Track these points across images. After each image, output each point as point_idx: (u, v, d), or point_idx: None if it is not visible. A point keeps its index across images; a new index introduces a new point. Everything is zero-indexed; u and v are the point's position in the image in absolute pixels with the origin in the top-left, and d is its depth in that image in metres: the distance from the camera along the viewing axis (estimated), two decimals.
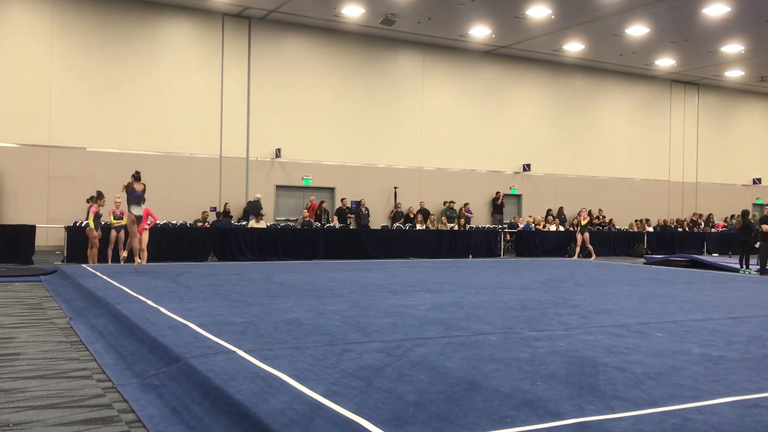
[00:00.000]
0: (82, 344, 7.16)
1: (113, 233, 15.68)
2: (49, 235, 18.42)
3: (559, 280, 13.34)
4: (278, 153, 21.68)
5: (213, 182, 20.97)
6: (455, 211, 23.55)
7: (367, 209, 22.20)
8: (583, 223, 21.19)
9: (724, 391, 4.93)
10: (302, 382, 4.92)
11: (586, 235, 21.23)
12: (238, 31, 21.21)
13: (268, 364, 5.45)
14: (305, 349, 6.11)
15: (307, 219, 20.89)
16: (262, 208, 20.56)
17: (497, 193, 24.70)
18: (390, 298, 9.72)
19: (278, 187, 22.04)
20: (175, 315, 7.80)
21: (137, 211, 13.23)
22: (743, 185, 30.95)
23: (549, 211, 25.61)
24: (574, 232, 23.67)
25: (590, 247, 21.35)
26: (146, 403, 5.05)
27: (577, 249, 21.36)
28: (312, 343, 6.39)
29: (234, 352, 5.90)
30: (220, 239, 17.89)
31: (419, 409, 4.34)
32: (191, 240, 17.61)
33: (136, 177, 13.35)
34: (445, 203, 23.76)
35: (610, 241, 24.24)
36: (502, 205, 24.64)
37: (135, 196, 13.15)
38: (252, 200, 20.84)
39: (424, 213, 22.69)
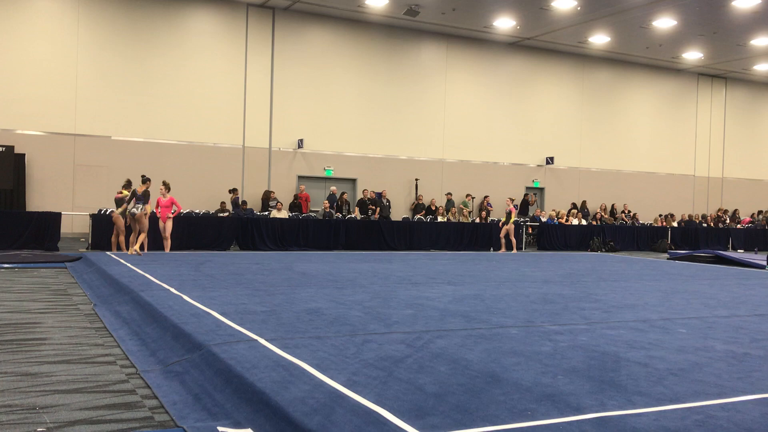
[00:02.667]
0: (107, 330, 7.26)
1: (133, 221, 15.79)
2: (75, 223, 18.67)
3: (582, 274, 13.25)
4: (300, 144, 21.73)
5: (236, 172, 21.09)
6: (468, 204, 23.46)
7: (388, 201, 22.20)
8: (513, 216, 20.12)
9: (749, 389, 4.87)
10: (323, 372, 4.95)
11: (511, 226, 20.01)
12: (262, 21, 21.26)
13: (290, 353, 5.49)
14: (326, 338, 6.14)
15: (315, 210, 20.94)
16: (337, 199, 21.35)
17: (526, 195, 24.52)
18: (411, 290, 9.73)
19: (300, 177, 22.11)
20: (198, 303, 7.88)
21: (136, 209, 14.52)
22: None
23: (573, 204, 25.43)
24: (597, 225, 23.51)
25: (513, 240, 20.17)
26: (169, 390, 5.11)
27: (502, 241, 20.14)
28: (333, 332, 6.42)
29: (256, 340, 5.94)
30: (242, 228, 18.00)
31: (439, 401, 4.34)
32: (214, 229, 17.73)
33: (143, 180, 14.77)
34: (467, 196, 23.68)
35: (634, 235, 24.01)
36: (530, 204, 24.47)
37: (137, 198, 14.53)
38: (330, 193, 21.64)
39: (449, 204, 22.58)
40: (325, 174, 22.31)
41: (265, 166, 21.55)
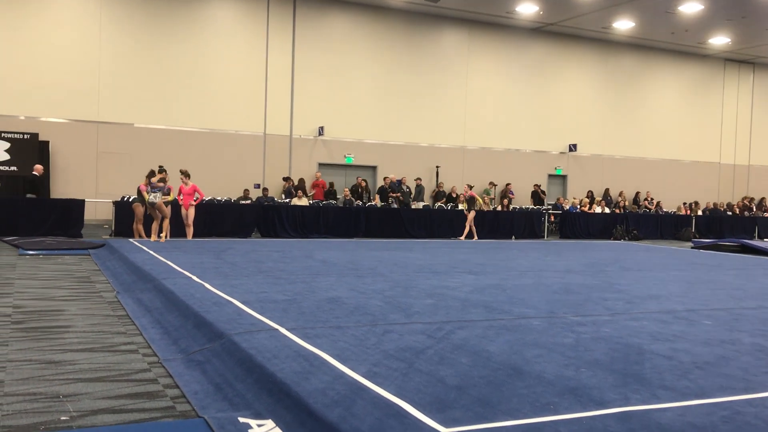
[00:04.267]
0: (129, 318, 7.31)
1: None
2: (98, 210, 18.85)
3: (604, 263, 13.12)
4: (321, 131, 21.72)
5: (257, 159, 21.14)
6: (491, 191, 23.30)
7: (408, 188, 22.14)
8: (479, 201, 19.65)
9: None
10: (344, 362, 4.93)
11: (472, 213, 19.29)
12: (283, 7, 21.21)
13: (310, 343, 5.48)
14: (347, 328, 6.12)
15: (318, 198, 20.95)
16: (401, 185, 21.51)
17: (535, 185, 24.17)
18: (431, 279, 9.69)
19: (321, 165, 22.11)
20: (220, 291, 7.90)
21: (154, 198, 14.68)
22: None
23: (590, 192, 25.15)
24: (621, 214, 23.27)
25: (473, 228, 19.38)
26: (190, 379, 5.13)
27: (466, 230, 19.38)
28: (353, 322, 6.40)
29: (276, 330, 5.94)
30: (264, 216, 18.05)
31: (461, 393, 4.31)
32: (235, 216, 17.81)
33: (160, 170, 14.89)
34: (491, 184, 23.54)
35: (657, 223, 23.74)
36: (541, 193, 24.17)
37: (153, 187, 14.68)
38: (394, 181, 21.72)
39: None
40: (345, 161, 22.28)
41: (285, 154, 21.57)
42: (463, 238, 19.27)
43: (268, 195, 20.41)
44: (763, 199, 28.08)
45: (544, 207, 23.34)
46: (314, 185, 21.20)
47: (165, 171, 14.98)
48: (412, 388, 4.38)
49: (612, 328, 6.59)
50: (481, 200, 19.69)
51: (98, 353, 5.79)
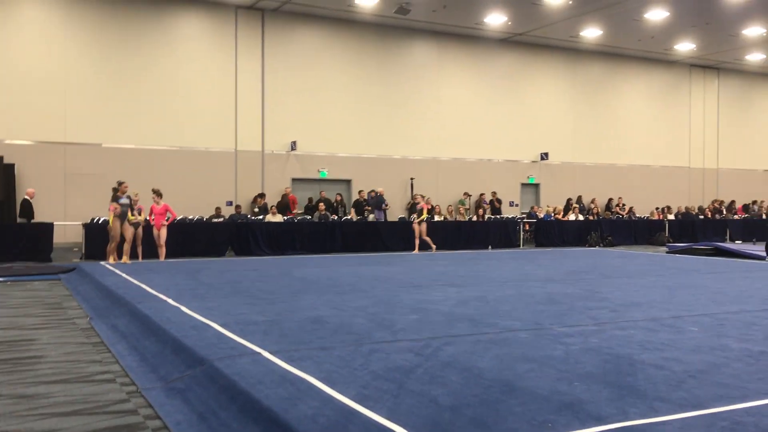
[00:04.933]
0: (104, 345, 7.06)
1: (130, 230, 15.58)
2: (67, 233, 18.41)
3: (584, 271, 13.11)
4: (294, 146, 21.53)
5: (228, 176, 20.87)
6: (465, 202, 23.24)
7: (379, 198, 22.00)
8: (424, 214, 18.57)
9: None
10: (331, 386, 4.77)
11: (423, 226, 18.49)
12: (252, 23, 21.05)
13: (295, 366, 5.31)
14: (332, 349, 5.96)
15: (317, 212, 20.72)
16: (385, 201, 21.02)
17: (493, 193, 24.03)
18: (413, 293, 9.56)
19: (294, 180, 21.91)
20: (197, 314, 7.69)
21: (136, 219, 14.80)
22: (765, 170, 30.46)
23: (569, 200, 25.31)
24: (595, 220, 23.39)
25: (427, 239, 18.56)
26: (172, 409, 4.92)
27: (416, 241, 18.50)
28: (338, 342, 6.24)
29: (259, 353, 5.76)
30: (237, 234, 17.79)
31: (455, 414, 4.18)
32: (208, 235, 17.53)
33: (119, 183, 14.71)
34: (465, 194, 23.52)
35: (631, 229, 23.91)
36: (497, 202, 23.79)
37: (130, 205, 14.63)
38: (374, 194, 21.35)
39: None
40: (319, 176, 22.11)
41: (258, 170, 21.34)
42: (416, 251, 18.44)
43: (241, 212, 20.15)
44: (732, 201, 28.47)
45: (501, 215, 23.11)
46: (291, 200, 20.97)
47: (124, 183, 14.70)
48: (404, 411, 4.24)
49: (600, 338, 6.51)
50: (426, 214, 18.67)
51: (73, 384, 5.55)
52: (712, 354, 5.84)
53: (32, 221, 16.46)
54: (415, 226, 18.52)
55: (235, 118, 20.92)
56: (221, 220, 19.09)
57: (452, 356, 5.70)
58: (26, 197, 16.57)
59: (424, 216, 18.56)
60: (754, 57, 26.94)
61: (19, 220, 16.24)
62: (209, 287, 10.21)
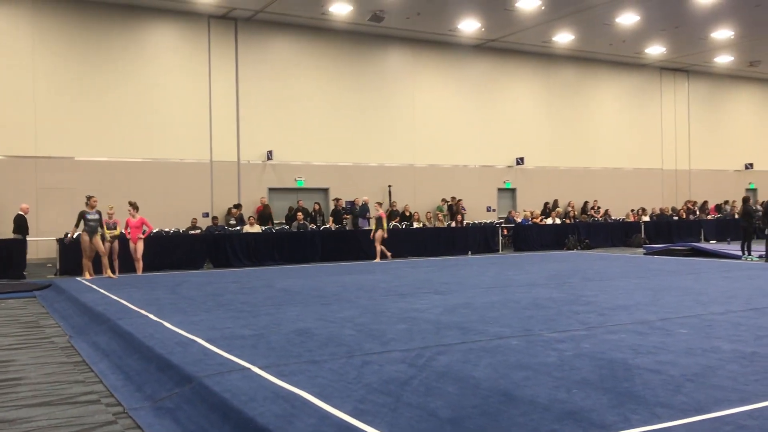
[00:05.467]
0: (86, 365, 6.86)
1: (107, 244, 15.30)
2: (40, 248, 18.03)
3: (566, 275, 13.12)
4: (270, 155, 21.35)
5: (204, 187, 20.61)
6: (443, 208, 23.16)
7: (360, 208, 21.89)
8: (385, 222, 18.20)
9: None
10: (326, 401, 4.66)
11: (379, 233, 18.03)
12: (225, 32, 20.85)
13: (287, 381, 5.19)
14: (322, 362, 5.84)
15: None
16: (369, 211, 20.87)
17: (452, 198, 23.78)
18: (399, 302, 9.46)
19: (271, 189, 21.71)
20: (181, 329, 7.51)
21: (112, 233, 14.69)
22: (735, 171, 30.93)
23: (546, 204, 25.42)
24: (572, 224, 23.52)
25: (381, 247, 18.16)
26: (162, 429, 4.77)
27: (378, 249, 18.18)
28: (328, 355, 6.12)
29: (248, 368, 5.62)
30: (215, 246, 17.57)
31: (457, 427, 4.09)
32: (186, 247, 17.30)
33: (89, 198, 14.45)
34: (443, 201, 23.49)
35: (608, 231, 24.10)
36: (461, 209, 23.53)
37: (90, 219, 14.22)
38: (360, 204, 21.31)
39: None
40: (296, 185, 21.95)
41: (234, 180, 21.11)
42: (378, 259, 18.12)
43: (218, 224, 19.90)
44: (705, 202, 28.83)
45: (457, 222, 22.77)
46: (257, 210, 20.70)
47: (93, 197, 14.46)
48: (404, 425, 4.14)
49: (591, 343, 6.47)
50: (385, 221, 18.34)
51: (56, 407, 5.36)
52: (705, 356, 5.83)
53: (26, 236, 16.10)
54: (377, 234, 18.06)
55: (210, 128, 20.68)
56: (198, 231, 18.83)
57: (446, 366, 5.61)
58: (20, 212, 16.21)
59: (384, 225, 18.22)
60: (723, 59, 27.35)
61: (13, 235, 15.94)
62: (191, 301, 10.02)
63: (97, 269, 14.60)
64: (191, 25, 20.44)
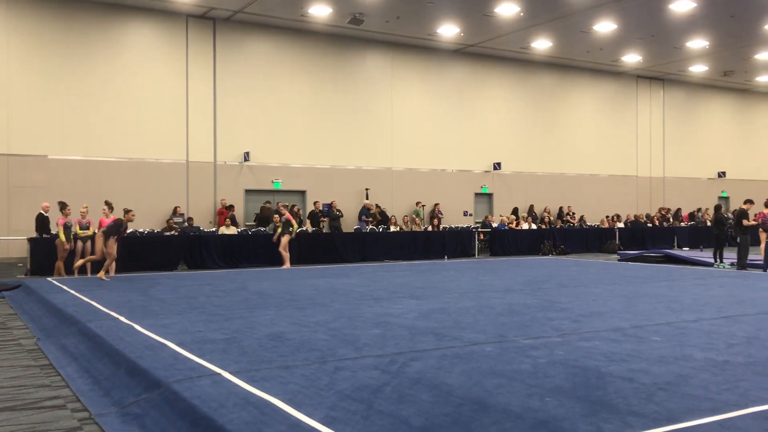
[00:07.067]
0: (53, 368, 6.72)
1: (80, 244, 15.10)
2: (11, 248, 17.70)
3: (540, 280, 13.16)
4: (247, 156, 21.19)
5: (180, 188, 20.39)
6: (420, 212, 23.14)
7: (339, 211, 21.84)
8: (295, 226, 17.42)
9: (741, 402, 4.73)
10: (298, 408, 4.60)
11: (286, 238, 17.03)
12: (203, 32, 20.67)
13: (258, 387, 5.12)
14: (295, 368, 5.77)
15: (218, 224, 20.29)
16: (332, 209, 21.13)
17: (417, 203, 23.42)
18: (374, 306, 9.41)
19: (247, 191, 21.55)
20: (152, 333, 7.40)
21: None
22: (709, 179, 31.31)
23: (516, 209, 25.46)
24: (547, 229, 23.64)
25: (286, 253, 17.08)
26: None
27: (285, 255, 17.11)
28: (301, 360, 6.06)
29: (219, 374, 5.54)
30: (190, 247, 17.39)
31: None
32: (160, 249, 17.09)
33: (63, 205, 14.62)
34: (418, 204, 23.50)
35: (583, 237, 24.26)
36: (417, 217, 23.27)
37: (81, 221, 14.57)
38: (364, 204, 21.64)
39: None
40: (273, 187, 21.81)
41: (210, 181, 20.92)
42: (287, 265, 16.99)
43: (194, 224, 19.70)
44: (679, 209, 29.15)
45: (422, 228, 22.48)
46: (219, 212, 20.44)
47: (68, 206, 14.39)
48: None
49: (565, 350, 6.47)
50: (296, 225, 17.56)
51: (20, 412, 5.24)
52: (677, 365, 5.85)
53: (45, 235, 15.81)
54: (284, 239, 17.11)
55: (187, 128, 20.48)
56: (173, 233, 18.62)
57: (419, 372, 5.57)
58: (41, 212, 16.00)
59: (295, 228, 17.52)
60: (697, 69, 27.69)
61: (35, 234, 15.74)
62: (163, 303, 9.89)
63: (70, 270, 14.39)
64: (169, 25, 20.23)
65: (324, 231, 20.93)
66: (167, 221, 19.29)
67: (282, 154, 21.87)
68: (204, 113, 20.70)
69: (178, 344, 6.75)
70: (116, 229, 13.58)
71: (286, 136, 21.86)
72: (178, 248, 17.29)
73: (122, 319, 8.37)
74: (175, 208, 19.85)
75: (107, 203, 14.90)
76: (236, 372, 5.59)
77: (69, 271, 14.67)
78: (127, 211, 13.95)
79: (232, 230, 19.03)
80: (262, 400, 4.81)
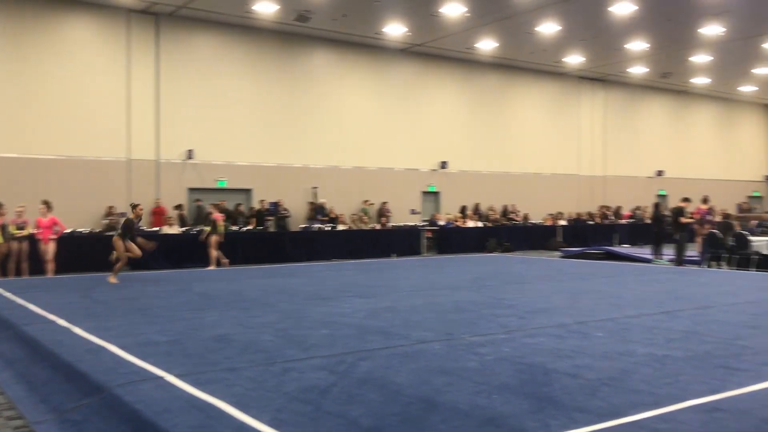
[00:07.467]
0: None
1: (15, 245, 14.57)
2: None
3: (487, 277, 13.30)
4: (190, 154, 20.81)
5: (121, 186, 19.88)
6: (368, 210, 23.20)
7: (286, 210, 21.65)
8: (220, 227, 16.91)
9: (681, 395, 4.85)
10: (244, 411, 4.52)
11: (214, 238, 16.63)
12: (145, 28, 20.19)
13: (203, 391, 5.01)
14: (241, 370, 5.68)
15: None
16: (325, 209, 21.01)
17: (365, 201, 23.47)
18: (322, 306, 9.35)
19: (191, 189, 21.17)
20: (92, 336, 7.19)
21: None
22: (647, 177, 32.18)
23: (464, 207, 25.72)
24: (493, 227, 23.94)
25: (214, 253, 16.71)
26: None
27: (213, 255, 16.76)
28: (247, 362, 5.96)
29: (163, 377, 5.41)
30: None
31: None
32: (101, 249, 16.59)
33: None
34: (365, 202, 23.49)
35: (527, 235, 24.66)
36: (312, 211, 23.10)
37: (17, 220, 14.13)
38: (317, 204, 21.38)
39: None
40: (217, 185, 21.47)
41: (152, 179, 20.46)
42: (213, 266, 16.52)
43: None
44: (619, 207, 29.89)
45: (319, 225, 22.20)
46: (154, 212, 20.02)
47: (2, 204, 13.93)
48: None
49: (511, 347, 6.55)
50: (222, 225, 17.08)
51: None
52: (620, 360, 5.97)
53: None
54: (211, 239, 16.72)
55: (128, 125, 19.97)
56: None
57: (368, 372, 5.55)
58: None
59: (221, 228, 17.05)
60: (637, 70, 28.42)
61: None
62: (104, 305, 9.62)
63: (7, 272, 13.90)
64: (110, 19, 19.69)
65: (270, 230, 20.71)
66: (108, 221, 18.79)
67: (227, 152, 21.56)
68: (146, 110, 20.23)
69: (120, 347, 6.58)
70: (129, 228, 13.19)
71: (231, 134, 21.55)
72: None
73: (61, 321, 8.11)
74: (109, 207, 19.20)
75: (45, 202, 14.46)
76: (180, 375, 5.47)
77: (4, 272, 14.16)
78: (134, 206, 13.60)
79: (175, 230, 18.67)
80: (207, 403, 4.71)
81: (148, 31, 20.24)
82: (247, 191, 22.13)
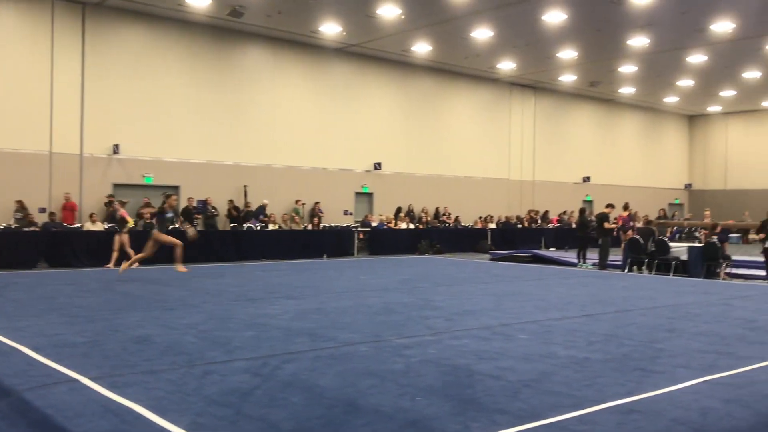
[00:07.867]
0: None
1: None
2: None
3: (417, 279, 13.38)
4: (116, 149, 20.18)
5: (42, 181, 19.10)
6: (300, 210, 23.04)
7: (214, 208, 21.25)
8: (130, 223, 16.78)
9: (599, 397, 4.97)
10: (162, 415, 4.38)
11: (125, 237, 16.26)
12: (71, 18, 19.46)
13: (120, 394, 4.84)
14: (160, 372, 5.51)
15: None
16: (207, 206, 20.51)
17: (229, 201, 22.21)
18: (248, 307, 9.20)
19: (116, 185, 20.52)
20: (3, 336, 6.86)
21: None
22: (574, 183, 33.06)
23: (399, 209, 25.88)
24: (424, 229, 24.12)
25: (130, 251, 15.96)
26: None
27: (114, 255, 16.24)
28: (167, 364, 5.80)
29: (77, 380, 5.20)
30: (52, 244, 16.33)
31: None
32: (17, 245, 15.94)
33: None
34: (297, 202, 23.30)
35: (457, 237, 24.95)
36: (234, 210, 22.13)
37: None
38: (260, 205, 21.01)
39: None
40: (144, 181, 20.89)
41: (76, 174, 19.74)
42: (126, 265, 14.67)
43: (56, 220, 18.52)
44: (546, 211, 30.59)
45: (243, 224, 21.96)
46: (64, 207, 19.29)
47: None
48: None
49: (437, 348, 6.58)
50: (131, 222, 16.70)
51: None
52: (542, 362, 6.08)
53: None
54: (122, 237, 16.26)
55: (51, 117, 19.21)
56: (33, 228, 17.43)
57: (292, 375, 5.48)
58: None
59: (131, 224, 16.76)
60: (567, 78, 29.16)
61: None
62: (18, 304, 9.21)
63: None
64: (33, 8, 18.88)
65: (198, 228, 20.27)
66: (25, 216, 18.02)
67: (155, 147, 20.99)
68: (70, 102, 19.50)
69: (33, 348, 6.30)
70: (165, 219, 13.02)
71: (159, 129, 21.00)
72: (37, 245, 16.19)
73: None
74: (17, 202, 18.25)
75: None
76: (96, 378, 5.27)
77: None
78: (168, 196, 13.40)
79: (99, 226, 18.07)
80: (123, 407, 4.55)
81: (75, 20, 19.53)
82: (175, 188, 21.60)
